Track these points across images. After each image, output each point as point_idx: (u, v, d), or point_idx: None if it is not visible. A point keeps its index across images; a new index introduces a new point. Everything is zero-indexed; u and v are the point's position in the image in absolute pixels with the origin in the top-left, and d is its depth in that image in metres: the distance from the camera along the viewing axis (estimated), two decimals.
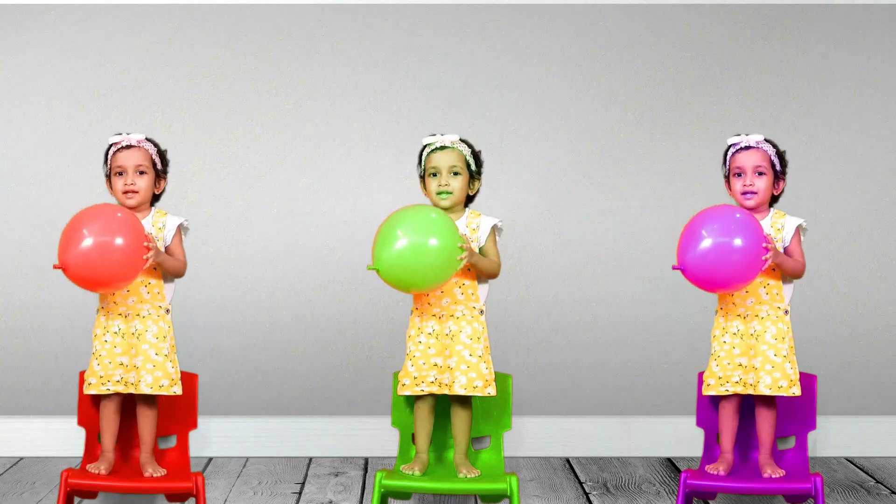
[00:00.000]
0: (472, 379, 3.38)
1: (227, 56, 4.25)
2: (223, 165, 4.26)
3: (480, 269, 3.41)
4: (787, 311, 3.45)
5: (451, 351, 3.40)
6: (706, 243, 3.29)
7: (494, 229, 3.45)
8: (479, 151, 3.52)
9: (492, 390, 3.40)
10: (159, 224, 3.47)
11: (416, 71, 4.26)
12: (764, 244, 3.30)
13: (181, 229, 3.49)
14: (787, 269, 3.42)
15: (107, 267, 3.26)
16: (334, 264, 4.27)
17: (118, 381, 3.39)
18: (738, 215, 3.32)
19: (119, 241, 3.26)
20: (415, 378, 3.39)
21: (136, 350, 3.40)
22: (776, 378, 3.41)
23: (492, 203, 4.18)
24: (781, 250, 3.44)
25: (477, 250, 3.42)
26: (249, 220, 4.25)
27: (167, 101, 4.24)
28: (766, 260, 3.30)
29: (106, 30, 4.24)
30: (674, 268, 3.32)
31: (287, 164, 4.26)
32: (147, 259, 3.30)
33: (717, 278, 3.30)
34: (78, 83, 4.23)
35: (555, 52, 4.27)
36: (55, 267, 3.25)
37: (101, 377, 3.39)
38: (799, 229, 3.46)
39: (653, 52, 4.28)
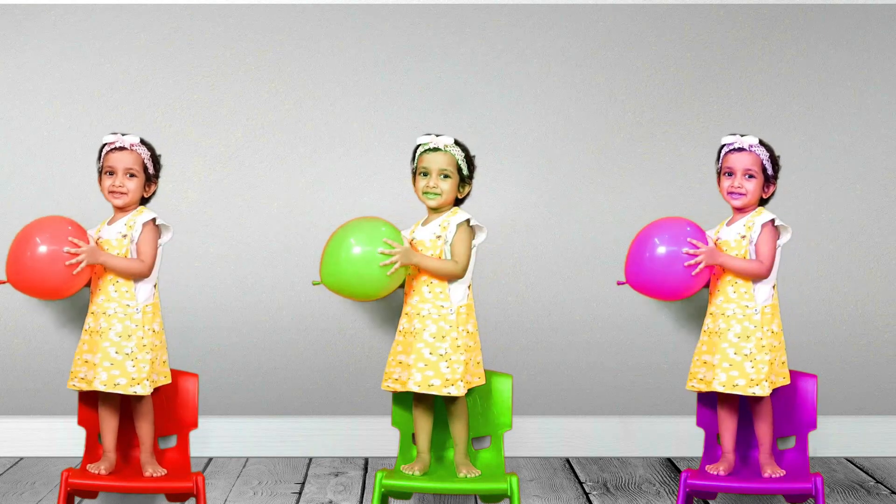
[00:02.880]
0: (427, 377, 3.37)
1: (227, 56, 4.25)
2: (223, 165, 4.26)
3: (429, 271, 3.41)
4: (764, 311, 3.44)
5: (411, 348, 3.40)
6: (634, 259, 3.45)
7: (463, 227, 3.44)
8: (474, 156, 3.53)
9: (454, 390, 3.37)
10: (131, 223, 3.47)
11: (416, 71, 4.26)
12: (687, 250, 3.35)
13: (151, 227, 3.47)
14: (737, 271, 3.42)
15: (34, 276, 3.34)
16: None
17: (82, 379, 3.42)
18: (658, 229, 3.44)
19: (38, 250, 3.33)
20: (386, 373, 3.46)
21: (96, 347, 3.41)
22: (732, 376, 3.41)
23: (492, 203, 4.19)
24: (752, 249, 3.44)
25: (447, 248, 3.43)
26: (249, 220, 4.25)
27: (167, 101, 4.24)
28: (692, 265, 3.35)
29: (106, 30, 4.24)
30: (618, 283, 3.51)
31: (287, 164, 4.26)
32: (78, 262, 3.31)
33: (654, 290, 3.45)
34: (78, 83, 4.23)
35: (555, 52, 4.27)
36: (1, 282, 3.39)
37: (71, 373, 3.43)
38: (769, 226, 3.45)
39: (653, 52, 4.28)
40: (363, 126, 4.27)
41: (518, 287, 4.26)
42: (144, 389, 3.39)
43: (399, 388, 3.42)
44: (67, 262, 3.32)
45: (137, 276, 3.43)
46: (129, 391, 3.38)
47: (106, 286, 3.43)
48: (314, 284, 3.42)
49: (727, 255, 3.42)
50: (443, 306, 3.41)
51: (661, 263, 3.39)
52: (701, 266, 3.37)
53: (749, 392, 3.40)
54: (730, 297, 3.45)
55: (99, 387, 3.37)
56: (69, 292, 3.39)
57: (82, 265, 3.33)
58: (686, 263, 3.36)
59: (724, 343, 3.43)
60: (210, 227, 4.23)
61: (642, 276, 3.42)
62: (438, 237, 3.43)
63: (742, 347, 3.41)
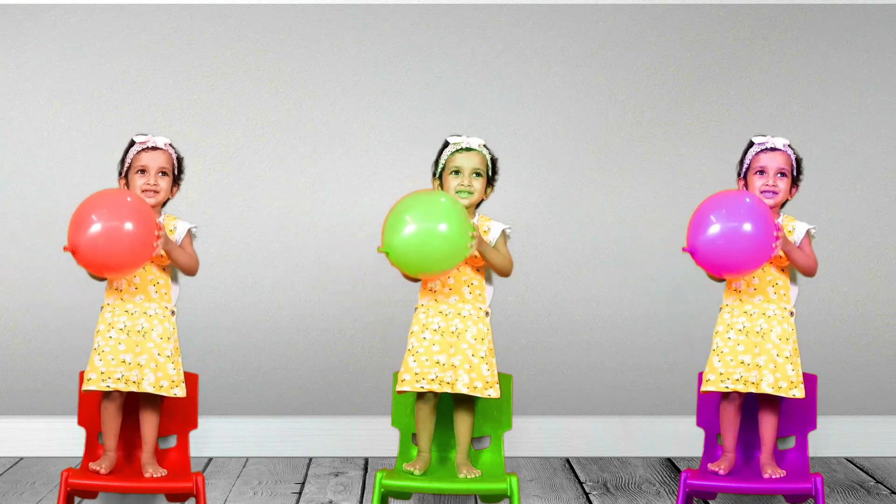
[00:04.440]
0: (473, 379, 3.38)
1: (227, 56, 4.26)
2: (223, 165, 4.26)
3: (490, 260, 3.41)
4: (792, 314, 3.45)
5: (457, 349, 3.40)
6: (716, 227, 3.29)
7: (504, 234, 3.48)
8: (497, 159, 3.54)
9: (493, 392, 3.39)
10: (171, 227, 3.48)
11: (416, 71, 4.26)
12: (774, 232, 3.31)
13: (190, 234, 3.51)
14: (797, 260, 3.42)
15: (116, 251, 3.26)
16: (334, 264, 4.27)
17: (119, 379, 3.39)
18: (747, 200, 3.33)
19: (129, 225, 3.26)
20: (416, 374, 3.39)
21: (142, 348, 3.40)
22: (777, 378, 3.41)
23: (492, 203, 4.18)
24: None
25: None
26: (249, 220, 4.25)
27: (167, 101, 4.24)
28: (775, 247, 3.31)
29: (106, 30, 4.24)
30: (683, 250, 3.32)
31: (287, 164, 4.26)
32: (156, 246, 3.31)
33: (726, 262, 3.30)
34: (78, 83, 4.23)
35: (555, 52, 4.28)
36: (65, 249, 3.26)
37: (101, 373, 3.38)
38: (808, 234, 3.47)
39: (653, 52, 4.28)
40: (363, 126, 4.27)
41: (518, 287, 4.26)
42: (182, 391, 3.42)
43: (437, 389, 3.39)
44: (155, 243, 3.27)
45: (190, 273, 3.47)
46: (171, 393, 3.40)
47: (146, 286, 3.43)
48: (378, 252, 3.32)
49: (792, 244, 3.42)
50: (481, 308, 3.43)
51: (745, 241, 3.26)
52: (778, 249, 3.34)
53: (790, 394, 3.40)
54: (770, 298, 3.45)
55: (148, 388, 3.38)
56: (131, 272, 3.33)
57: (158, 249, 3.33)
58: (773, 244, 3.29)
59: (767, 344, 3.42)
60: (210, 227, 4.23)
61: (717, 247, 3.30)
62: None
63: (783, 350, 3.42)
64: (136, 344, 3.41)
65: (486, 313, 3.44)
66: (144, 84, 4.24)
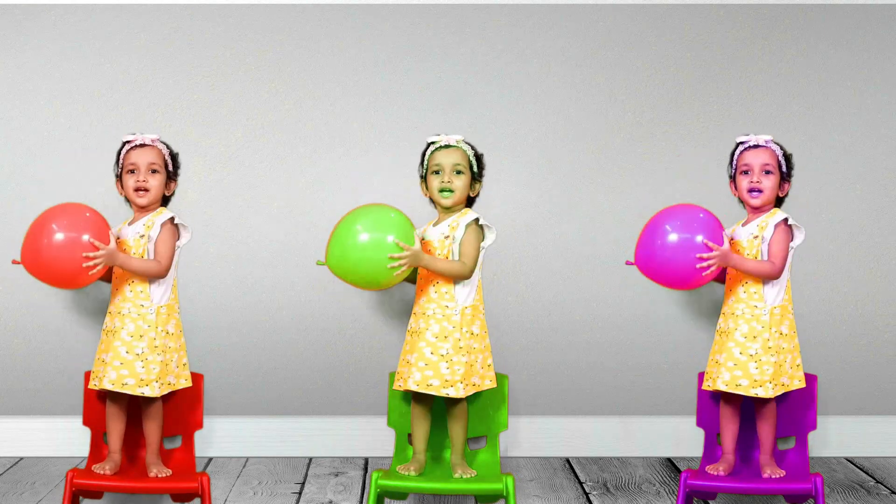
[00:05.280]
0: (427, 377, 3.37)
1: (227, 56, 4.26)
2: (223, 165, 4.26)
3: (437, 273, 3.40)
4: (773, 311, 3.43)
5: (413, 347, 3.41)
6: (653, 240, 3.36)
7: (472, 226, 3.44)
8: (482, 154, 3.54)
9: (452, 391, 3.37)
10: (150, 223, 3.46)
11: (416, 71, 4.26)
12: (700, 254, 3.32)
13: (169, 227, 3.47)
14: (749, 272, 3.41)
15: (47, 266, 3.31)
16: None
17: (97, 377, 3.42)
18: (668, 225, 3.37)
19: (56, 238, 3.29)
20: (397, 373, 3.47)
21: (108, 347, 3.40)
22: (735, 376, 3.41)
23: (492, 203, 4.19)
24: (765, 248, 3.44)
25: (455, 248, 3.43)
26: (249, 220, 4.25)
27: (167, 101, 4.24)
28: (700, 267, 3.32)
29: (106, 30, 4.24)
30: (627, 262, 3.41)
31: (287, 164, 4.26)
32: (90, 265, 3.29)
33: (663, 277, 3.38)
34: (78, 83, 4.23)
35: (555, 52, 4.28)
36: (14, 262, 3.33)
37: (93, 373, 3.42)
38: (783, 226, 3.45)
39: (653, 52, 4.28)
40: (363, 126, 4.27)
41: (518, 287, 4.26)
42: (153, 391, 3.39)
43: (402, 387, 3.42)
44: (84, 265, 3.29)
45: (154, 277, 3.43)
46: (137, 392, 3.38)
47: (122, 286, 3.43)
48: (318, 264, 3.38)
49: (740, 256, 3.41)
50: (447, 306, 3.41)
51: (672, 252, 3.34)
52: (713, 269, 3.35)
53: (752, 393, 3.39)
54: (740, 297, 3.45)
55: (107, 385, 3.37)
56: (82, 284, 3.35)
57: (99, 267, 3.31)
58: (698, 265, 3.32)
59: (730, 342, 3.43)
60: (210, 227, 4.23)
61: (651, 262, 3.37)
62: (447, 237, 3.44)
63: (748, 347, 3.41)
64: (109, 342, 3.42)
65: (466, 311, 3.42)
66: (144, 84, 4.24)
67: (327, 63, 4.27)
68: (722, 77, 4.28)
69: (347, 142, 4.27)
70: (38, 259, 3.29)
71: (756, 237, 3.45)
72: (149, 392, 3.38)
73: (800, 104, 4.28)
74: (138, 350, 3.39)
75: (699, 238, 3.33)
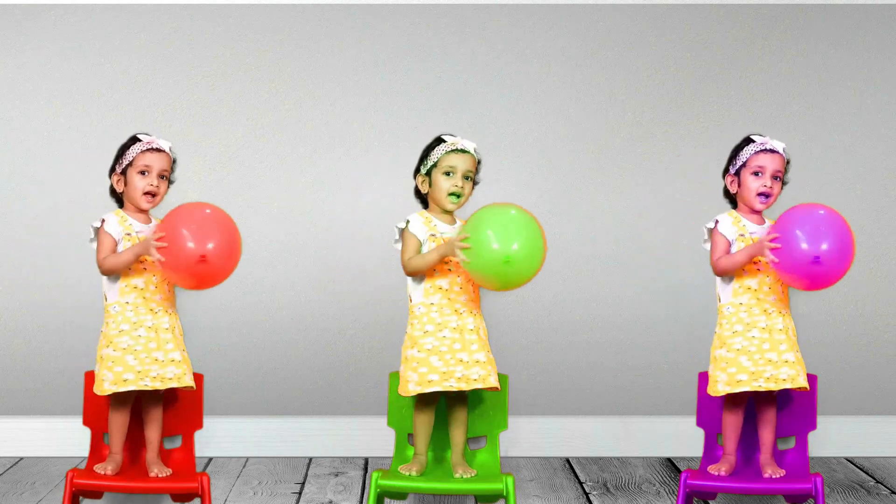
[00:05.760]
0: (489, 371, 3.39)
1: (227, 56, 4.25)
2: (223, 165, 4.26)
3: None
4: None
5: (482, 346, 3.41)
6: (832, 242, 3.30)
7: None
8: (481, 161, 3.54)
9: (494, 380, 3.38)
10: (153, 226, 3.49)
11: (416, 71, 4.26)
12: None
13: None
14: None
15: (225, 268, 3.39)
16: (334, 264, 4.27)
17: (155, 378, 3.39)
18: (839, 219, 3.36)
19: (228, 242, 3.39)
20: (445, 373, 3.37)
21: (161, 344, 3.41)
22: (792, 374, 3.41)
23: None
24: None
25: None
26: (249, 220, 4.25)
27: (167, 101, 4.24)
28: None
29: (106, 30, 4.24)
30: (814, 257, 3.28)
31: (287, 164, 4.26)
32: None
33: (828, 280, 3.33)
34: (78, 83, 4.23)
35: (555, 52, 4.27)
36: (202, 258, 3.29)
37: (139, 372, 3.38)
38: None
39: (653, 52, 4.28)
40: (363, 126, 4.27)
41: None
42: (192, 381, 3.43)
43: (483, 385, 3.37)
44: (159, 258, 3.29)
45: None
46: (185, 382, 3.40)
47: (162, 285, 3.46)
48: (505, 260, 3.31)
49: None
50: (477, 304, 3.46)
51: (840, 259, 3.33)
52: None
53: (800, 383, 3.39)
54: (780, 296, 3.46)
55: (189, 382, 3.40)
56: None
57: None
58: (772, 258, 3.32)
59: (785, 339, 3.43)
60: None
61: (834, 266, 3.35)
62: None
63: (793, 342, 3.44)
64: (170, 341, 3.42)
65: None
66: (144, 84, 4.24)
67: (327, 63, 4.26)
68: (722, 77, 4.28)
69: (347, 142, 4.27)
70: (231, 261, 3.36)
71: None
72: (189, 381, 3.40)
73: (800, 104, 4.28)
74: (182, 345, 3.44)
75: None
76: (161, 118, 4.23)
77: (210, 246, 3.29)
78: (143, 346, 3.37)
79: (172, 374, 3.38)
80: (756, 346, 3.41)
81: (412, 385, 3.35)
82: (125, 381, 3.34)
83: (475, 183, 3.49)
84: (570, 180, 4.28)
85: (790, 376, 3.37)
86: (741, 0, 4.28)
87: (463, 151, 3.44)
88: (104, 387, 3.35)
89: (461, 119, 4.21)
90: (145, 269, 3.42)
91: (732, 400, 3.49)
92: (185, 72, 4.25)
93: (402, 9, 4.27)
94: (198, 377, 3.59)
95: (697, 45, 4.28)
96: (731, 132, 4.06)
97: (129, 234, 3.43)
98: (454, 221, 3.47)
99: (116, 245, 3.41)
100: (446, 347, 3.37)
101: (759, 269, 3.44)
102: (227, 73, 4.25)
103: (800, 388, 3.38)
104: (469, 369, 3.35)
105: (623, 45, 4.28)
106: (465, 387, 3.34)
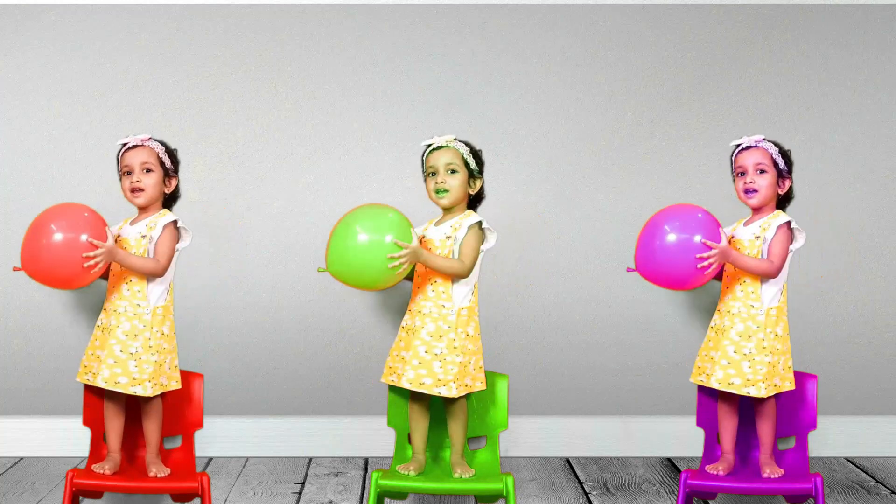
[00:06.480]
0: (420, 375, 3.38)
1: (227, 56, 4.26)
2: (223, 165, 4.26)
3: (435, 269, 3.40)
4: (769, 312, 3.44)
5: (408, 345, 3.41)
6: (652, 244, 3.37)
7: (474, 228, 3.45)
8: (480, 150, 3.54)
9: (445, 391, 3.37)
10: (152, 224, 3.47)
11: (416, 71, 4.26)
12: (700, 255, 3.32)
13: (171, 229, 3.47)
14: (748, 270, 3.42)
15: (48, 269, 3.30)
16: None
17: (91, 373, 3.41)
18: (667, 225, 3.37)
19: (55, 238, 3.29)
20: (389, 367, 3.45)
21: (104, 344, 3.41)
22: (729, 374, 3.41)
23: (492, 203, 4.18)
24: (765, 249, 3.44)
25: (456, 249, 3.43)
26: (249, 220, 4.25)
27: (167, 101, 4.24)
28: (701, 267, 3.32)
29: (106, 30, 4.24)
30: (628, 269, 3.43)
31: (287, 164, 4.26)
32: (91, 265, 3.29)
33: (664, 279, 3.38)
34: (78, 83, 4.23)
35: (555, 52, 4.28)
36: (15, 269, 3.34)
37: (84, 366, 3.42)
38: (785, 228, 3.45)
39: (653, 52, 4.28)
40: (363, 126, 4.27)
41: (518, 287, 4.26)
42: (145, 390, 3.39)
43: (395, 382, 3.43)
44: (85, 264, 3.29)
45: (151, 275, 3.43)
46: (129, 390, 3.38)
47: (120, 285, 3.43)
48: (319, 271, 3.38)
49: (738, 253, 3.42)
50: (444, 306, 3.41)
51: (672, 253, 3.34)
52: (713, 267, 3.35)
53: (744, 392, 3.40)
54: (737, 296, 3.45)
55: (100, 383, 3.38)
56: (83, 283, 3.35)
57: (100, 265, 3.32)
58: (699, 265, 3.33)
59: (725, 340, 3.44)
60: (210, 227, 4.23)
61: (651, 265, 3.37)
62: (448, 237, 3.44)
63: (742, 346, 3.41)
64: (104, 340, 3.42)
65: (462, 311, 3.42)
66: (144, 84, 4.24)
67: (327, 63, 4.27)
68: (722, 77, 4.28)
69: (347, 142, 4.27)
70: (38, 263, 3.29)
71: (758, 237, 3.46)
72: (140, 391, 3.38)
73: (800, 104, 4.28)
74: (132, 349, 3.39)
75: (697, 238, 3.33)
76: (161, 118, 4.23)
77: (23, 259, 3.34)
78: (90, 343, 3.47)
79: (95, 371, 3.44)
80: (704, 343, 3.53)
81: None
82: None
83: (474, 172, 3.48)
84: (570, 180, 4.28)
85: (721, 378, 3.42)
86: (741, 0, 4.28)
87: (438, 148, 3.46)
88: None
89: (461, 119, 4.21)
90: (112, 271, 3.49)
91: (724, 397, 3.52)
92: (185, 72, 4.25)
93: (402, 9, 4.27)
94: (198, 377, 3.59)
95: (697, 45, 4.28)
96: (731, 132, 4.07)
97: (143, 236, 3.46)
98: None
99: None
100: (394, 345, 3.49)
101: (726, 273, 3.52)
102: (227, 73, 4.25)
103: (699, 385, 3.47)
104: (404, 366, 3.41)
105: (623, 45, 4.28)
106: (395, 382, 3.44)
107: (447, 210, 3.49)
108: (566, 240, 4.28)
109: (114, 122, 4.20)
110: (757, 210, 3.50)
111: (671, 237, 3.34)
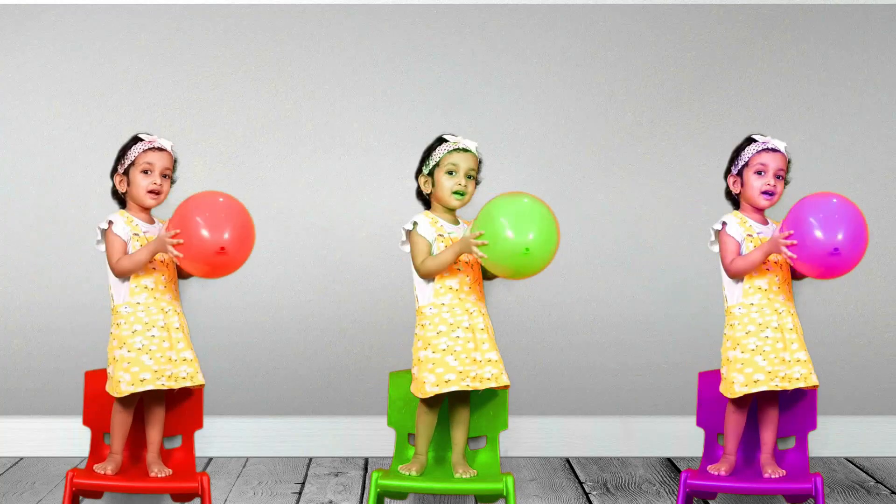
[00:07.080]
0: (495, 374, 3.37)
1: (227, 56, 4.25)
2: (223, 165, 4.26)
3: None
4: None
5: (493, 346, 3.40)
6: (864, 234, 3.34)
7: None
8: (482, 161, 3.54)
9: (505, 378, 3.38)
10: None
11: (416, 71, 4.26)
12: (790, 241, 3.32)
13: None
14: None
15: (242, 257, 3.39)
16: (334, 264, 4.27)
17: (169, 377, 3.38)
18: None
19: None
20: (459, 373, 3.35)
21: (173, 344, 3.42)
22: (803, 373, 3.41)
23: None
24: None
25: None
26: None
27: (167, 101, 4.24)
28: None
29: (106, 30, 4.24)
30: (833, 249, 3.29)
31: (287, 164, 4.26)
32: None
33: (845, 269, 3.33)
34: (78, 83, 4.23)
35: (555, 52, 4.27)
36: (221, 250, 3.31)
37: (154, 372, 3.37)
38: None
39: (653, 52, 4.28)
40: (363, 126, 4.27)
41: (518, 287, 4.26)
42: (202, 378, 3.44)
43: (476, 386, 3.36)
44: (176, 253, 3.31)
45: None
46: (198, 381, 3.41)
47: (171, 285, 3.48)
48: (523, 253, 3.33)
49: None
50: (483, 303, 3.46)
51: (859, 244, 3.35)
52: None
53: (813, 381, 3.40)
54: (789, 296, 3.46)
55: (186, 383, 3.39)
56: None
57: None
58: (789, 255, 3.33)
59: (795, 337, 3.43)
60: None
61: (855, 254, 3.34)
62: None
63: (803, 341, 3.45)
64: (182, 338, 3.43)
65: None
66: (144, 84, 4.24)
67: (327, 63, 4.26)
68: (722, 77, 4.28)
69: (347, 142, 4.27)
70: (244, 248, 3.35)
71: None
72: (201, 379, 3.42)
73: (800, 104, 4.28)
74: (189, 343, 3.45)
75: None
76: (161, 118, 4.23)
77: (226, 236, 3.30)
78: (157, 345, 3.38)
79: (185, 373, 3.38)
80: (770, 345, 3.40)
81: (429, 386, 3.34)
82: (142, 381, 3.34)
83: (477, 182, 3.50)
84: (570, 180, 4.28)
85: (802, 375, 3.38)
86: (741, 0, 4.28)
87: (465, 150, 3.45)
88: (122, 388, 3.34)
89: (461, 119, 4.21)
90: (154, 268, 3.43)
91: (741, 400, 3.48)
92: (185, 72, 4.25)
93: (402, 9, 4.27)
94: None
95: (697, 45, 4.28)
96: (731, 132, 4.06)
97: (136, 235, 3.44)
98: (457, 221, 3.47)
99: (126, 246, 3.42)
100: (460, 347, 3.36)
101: (768, 269, 3.44)
102: (227, 73, 4.25)
103: (812, 386, 3.39)
104: (482, 368, 3.35)
105: (623, 45, 4.28)
106: (479, 386, 3.34)
107: (447, 210, 3.49)
108: (566, 240, 4.26)
109: (114, 122, 4.20)
110: (758, 210, 3.49)
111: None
